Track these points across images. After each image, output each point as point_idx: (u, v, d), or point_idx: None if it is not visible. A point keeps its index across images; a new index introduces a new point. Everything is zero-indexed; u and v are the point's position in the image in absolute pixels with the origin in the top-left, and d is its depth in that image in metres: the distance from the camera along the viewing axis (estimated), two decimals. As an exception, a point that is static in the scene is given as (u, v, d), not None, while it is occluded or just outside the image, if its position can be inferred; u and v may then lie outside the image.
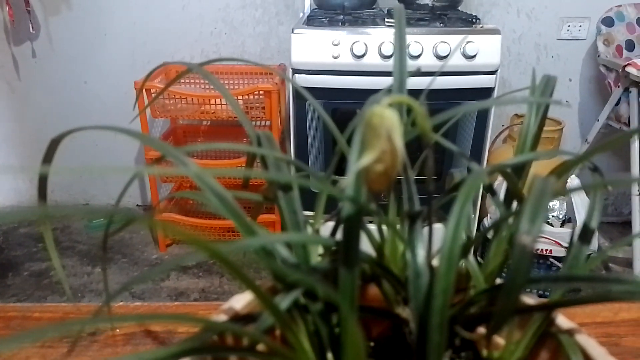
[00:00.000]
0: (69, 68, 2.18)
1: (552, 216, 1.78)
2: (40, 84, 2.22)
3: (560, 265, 1.74)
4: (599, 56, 1.99)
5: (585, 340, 0.22)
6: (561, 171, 0.23)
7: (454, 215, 0.18)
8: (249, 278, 0.17)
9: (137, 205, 2.44)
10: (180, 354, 0.18)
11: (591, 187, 0.22)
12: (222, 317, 0.22)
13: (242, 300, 0.24)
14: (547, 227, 1.74)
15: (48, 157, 0.25)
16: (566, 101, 2.21)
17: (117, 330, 0.46)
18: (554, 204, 1.80)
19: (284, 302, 0.19)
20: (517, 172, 0.25)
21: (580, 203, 1.82)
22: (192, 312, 0.48)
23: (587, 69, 2.16)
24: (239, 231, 0.20)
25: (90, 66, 2.18)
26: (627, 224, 2.31)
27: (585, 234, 0.22)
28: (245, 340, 0.20)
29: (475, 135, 1.70)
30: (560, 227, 1.80)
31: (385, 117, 0.16)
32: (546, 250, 1.73)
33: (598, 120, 2.00)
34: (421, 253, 0.20)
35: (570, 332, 0.22)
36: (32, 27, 2.09)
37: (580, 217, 1.78)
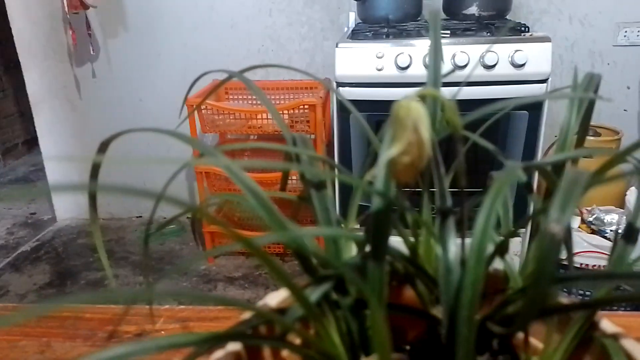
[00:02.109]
0: (125, 87, 2.30)
1: (611, 230, 1.69)
2: (98, 103, 2.35)
3: (620, 282, 1.64)
4: (659, 62, 1.89)
5: (632, 345, 0.21)
6: (608, 166, 0.22)
7: (484, 208, 0.17)
8: (280, 268, 0.17)
9: (188, 217, 2.51)
10: (213, 339, 0.18)
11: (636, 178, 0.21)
12: (254, 313, 0.23)
13: (276, 298, 0.24)
14: (606, 242, 1.65)
15: (98, 160, 0.26)
16: (624, 109, 2.11)
17: (163, 332, 0.47)
18: (612, 217, 1.71)
19: (314, 294, 0.19)
20: (556, 171, 0.24)
21: (642, 217, 1.72)
22: (234, 316, 0.49)
23: (647, 76, 2.05)
24: (270, 226, 0.20)
25: (145, 85, 2.29)
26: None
27: (631, 233, 0.21)
28: (278, 329, 0.20)
29: (526, 146, 1.64)
30: (620, 242, 1.70)
31: (412, 109, 0.16)
32: (604, 266, 1.64)
33: (660, 130, 1.89)
34: (453, 249, 0.20)
35: (615, 337, 0.21)
36: (93, 50, 2.22)
37: (642, 231, 1.68)
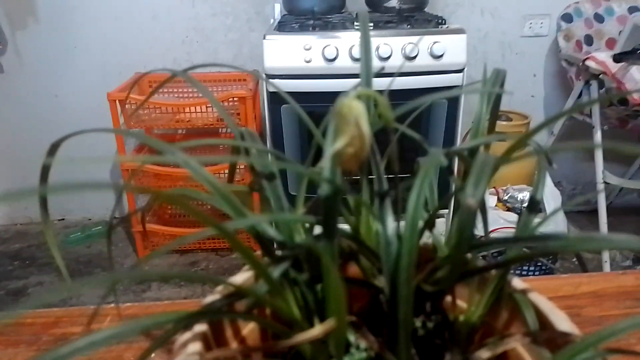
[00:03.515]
0: (38, 82, 2.16)
1: (523, 207, 1.84)
2: (9, 99, 2.19)
3: (533, 253, 1.80)
4: (560, 51, 2.07)
5: (536, 297, 0.25)
6: (512, 149, 0.27)
7: (415, 189, 0.21)
8: (246, 249, 0.19)
9: (115, 217, 2.42)
10: (184, 318, 0.20)
11: (538, 155, 0.25)
12: (217, 296, 0.25)
13: (237, 280, 0.27)
14: (517, 217, 1.80)
15: (48, 162, 0.27)
16: (532, 95, 2.29)
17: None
18: (524, 195, 1.87)
19: (276, 271, 0.21)
20: (471, 155, 0.28)
21: (550, 194, 1.90)
22: (182, 309, 0.50)
23: (550, 64, 2.25)
24: (230, 215, 0.22)
25: (60, 79, 2.16)
26: (594, 212, 2.40)
27: (532, 204, 0.26)
28: (242, 305, 0.23)
29: (446, 132, 1.75)
30: (532, 217, 1.86)
31: (353, 107, 0.19)
32: (519, 240, 1.79)
33: (562, 113, 2.08)
34: (390, 225, 0.23)
35: (524, 292, 0.26)
36: (-1, 42, 2.07)
37: (549, 207, 1.85)
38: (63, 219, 2.43)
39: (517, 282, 0.26)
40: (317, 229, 0.25)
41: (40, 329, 0.49)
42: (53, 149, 0.27)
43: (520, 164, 2.01)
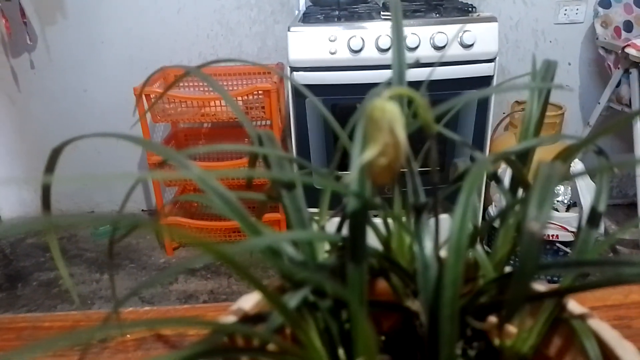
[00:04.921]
0: (67, 77, 2.19)
1: (557, 201, 1.77)
2: (39, 95, 2.22)
3: (567, 250, 1.73)
4: (597, 39, 1.98)
5: (598, 324, 0.22)
6: (566, 156, 0.23)
7: (460, 205, 0.18)
8: (256, 278, 0.17)
9: (143, 210, 2.44)
10: (190, 357, 0.18)
11: (597, 171, 0.22)
12: (231, 318, 0.22)
13: (250, 301, 0.24)
14: (553, 212, 1.73)
15: (50, 167, 0.25)
16: (567, 85, 2.20)
17: (128, 335, 0.46)
18: (559, 188, 1.79)
19: (292, 300, 0.19)
20: (521, 159, 0.25)
21: (585, 187, 1.81)
22: (201, 315, 0.48)
23: (586, 52, 2.15)
24: (244, 231, 0.20)
25: (88, 74, 2.18)
26: (632, 206, 2.30)
27: (593, 218, 0.22)
28: (256, 340, 0.20)
29: (476, 124, 1.69)
30: (566, 211, 1.79)
31: (387, 111, 0.16)
32: (553, 235, 1.73)
33: (599, 103, 1.98)
34: (429, 245, 0.20)
35: (582, 317, 0.22)
36: (30, 38, 2.09)
37: (585, 201, 1.77)
38: (92, 212, 2.47)
39: (574, 306, 0.23)
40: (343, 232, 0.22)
41: (57, 333, 0.47)
42: (54, 155, 0.25)
43: (552, 154, 1.93)
